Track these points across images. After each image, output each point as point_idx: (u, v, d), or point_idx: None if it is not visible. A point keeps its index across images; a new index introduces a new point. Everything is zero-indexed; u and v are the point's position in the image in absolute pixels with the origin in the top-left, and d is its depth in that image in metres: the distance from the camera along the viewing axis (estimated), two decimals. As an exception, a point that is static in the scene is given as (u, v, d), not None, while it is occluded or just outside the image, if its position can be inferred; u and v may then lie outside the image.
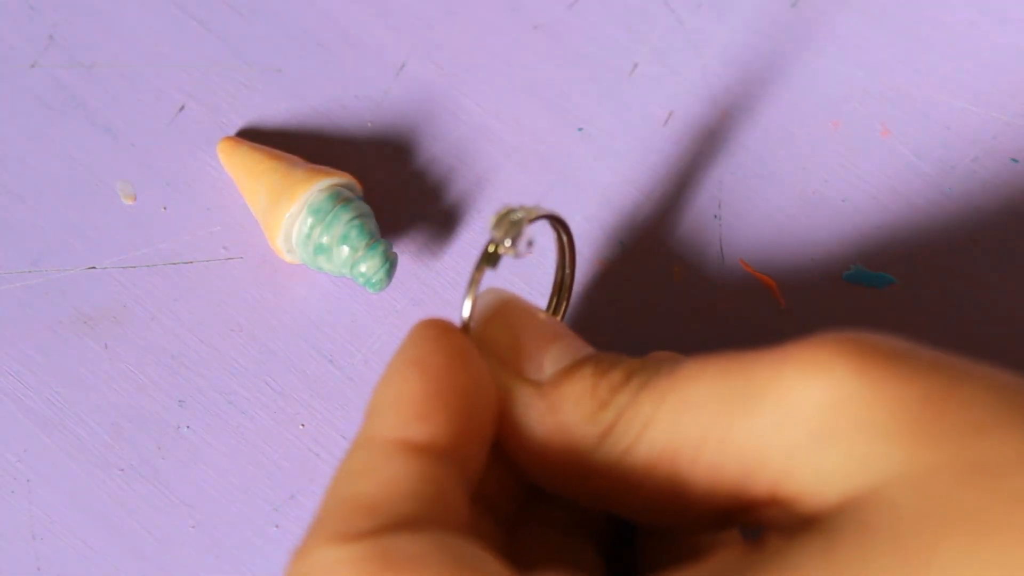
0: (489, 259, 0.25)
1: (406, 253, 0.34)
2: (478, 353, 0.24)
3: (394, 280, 0.33)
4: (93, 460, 0.33)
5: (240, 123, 0.35)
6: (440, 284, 0.34)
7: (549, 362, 0.25)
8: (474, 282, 0.25)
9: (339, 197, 0.32)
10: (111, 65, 0.36)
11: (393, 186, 0.35)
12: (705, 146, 0.34)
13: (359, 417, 0.33)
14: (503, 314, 0.26)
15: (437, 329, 0.24)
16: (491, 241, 0.26)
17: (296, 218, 0.32)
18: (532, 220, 0.26)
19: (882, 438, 0.20)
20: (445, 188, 0.34)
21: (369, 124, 0.35)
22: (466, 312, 0.26)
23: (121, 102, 0.36)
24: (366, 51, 0.36)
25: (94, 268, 0.34)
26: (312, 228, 0.32)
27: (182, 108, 0.35)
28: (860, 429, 0.21)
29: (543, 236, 0.32)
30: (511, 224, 0.25)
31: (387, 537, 0.21)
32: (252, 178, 0.33)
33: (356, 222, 0.32)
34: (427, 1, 0.36)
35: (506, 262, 0.33)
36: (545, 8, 0.36)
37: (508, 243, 0.25)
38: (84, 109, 0.35)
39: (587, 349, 0.25)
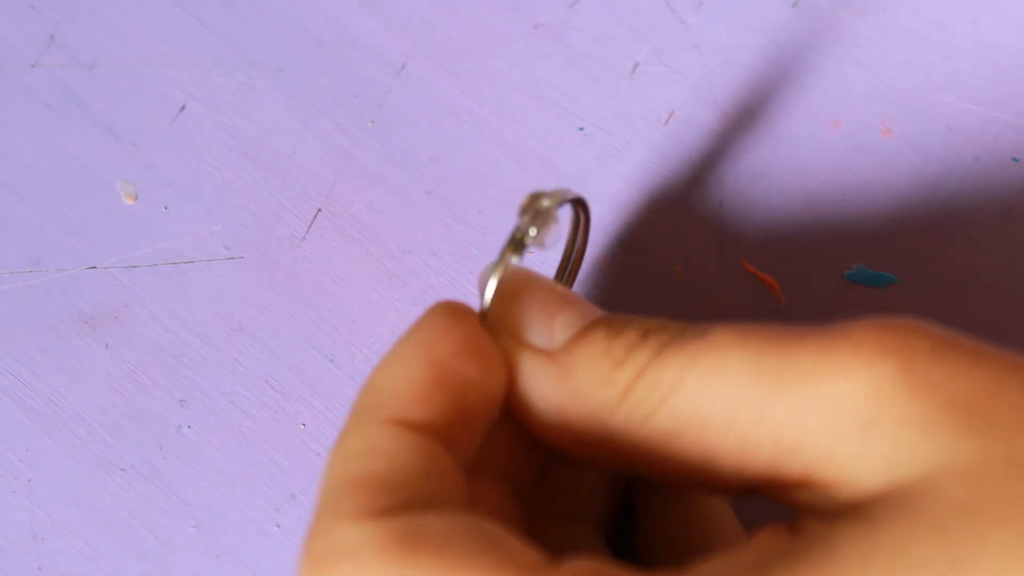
0: (515, 247, 0.25)
1: (407, 253, 0.34)
2: (490, 341, 0.24)
3: (396, 280, 0.33)
4: (94, 460, 0.33)
5: (241, 123, 0.35)
6: (441, 284, 0.34)
7: (559, 329, 0.24)
8: (498, 269, 0.25)
9: None
10: (112, 65, 0.36)
11: (393, 186, 0.35)
12: (706, 146, 0.34)
13: (360, 417, 0.33)
14: (509, 285, 0.25)
15: (451, 314, 0.24)
16: (517, 229, 0.25)
17: None
18: (559, 205, 0.25)
19: (929, 430, 0.20)
20: (445, 188, 0.34)
21: (369, 124, 0.35)
22: (488, 297, 0.25)
23: (122, 102, 0.36)
24: (366, 51, 0.36)
25: (95, 268, 0.34)
26: None
27: (183, 108, 0.35)
28: (906, 421, 0.21)
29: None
30: (536, 213, 0.25)
31: (411, 515, 0.21)
32: None
33: None
34: (427, 1, 0.36)
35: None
36: (546, 7, 0.36)
37: (533, 232, 0.25)
38: (85, 109, 0.35)
39: (597, 312, 0.25)
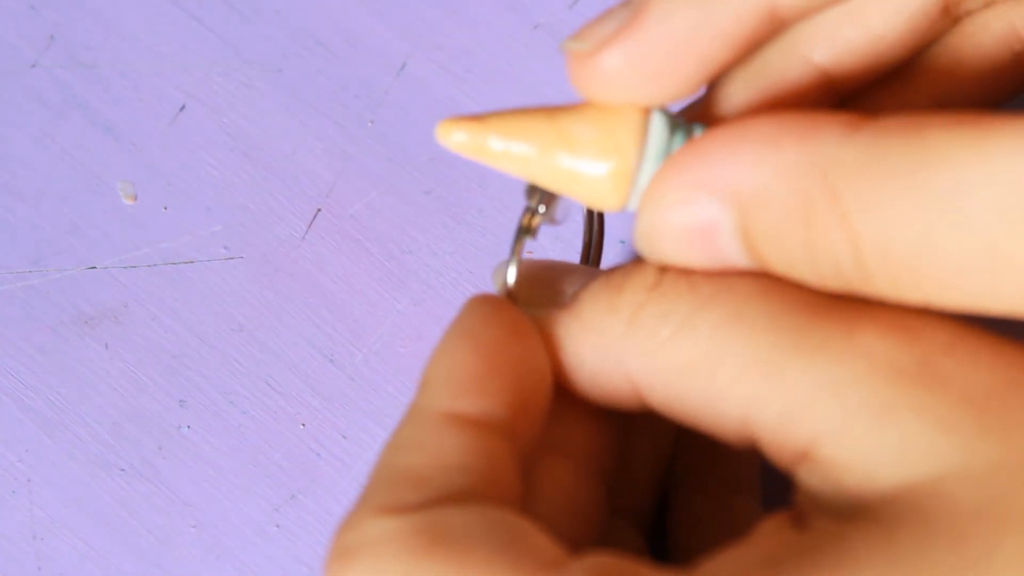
0: (527, 230, 0.25)
1: (407, 253, 0.34)
2: (527, 319, 0.24)
3: (396, 280, 0.33)
4: (94, 460, 0.33)
5: (241, 123, 0.35)
6: (441, 284, 0.34)
7: (568, 286, 0.25)
8: (516, 254, 0.25)
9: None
10: (112, 65, 0.36)
11: (393, 186, 0.35)
12: (706, 146, 0.34)
13: (360, 417, 0.33)
14: (524, 272, 0.26)
15: (489, 303, 0.24)
16: (526, 211, 0.25)
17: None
18: None
19: (943, 427, 0.20)
20: (445, 187, 0.35)
21: (369, 124, 0.35)
22: (511, 281, 0.25)
23: (122, 102, 0.36)
24: (366, 51, 0.36)
25: (94, 268, 0.34)
26: None
27: (183, 108, 0.35)
28: (920, 414, 0.20)
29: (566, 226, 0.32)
30: (543, 192, 0.25)
31: (434, 511, 0.21)
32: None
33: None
34: (427, 1, 0.36)
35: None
36: (545, 8, 0.36)
37: (542, 209, 0.25)
38: (85, 109, 0.35)
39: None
